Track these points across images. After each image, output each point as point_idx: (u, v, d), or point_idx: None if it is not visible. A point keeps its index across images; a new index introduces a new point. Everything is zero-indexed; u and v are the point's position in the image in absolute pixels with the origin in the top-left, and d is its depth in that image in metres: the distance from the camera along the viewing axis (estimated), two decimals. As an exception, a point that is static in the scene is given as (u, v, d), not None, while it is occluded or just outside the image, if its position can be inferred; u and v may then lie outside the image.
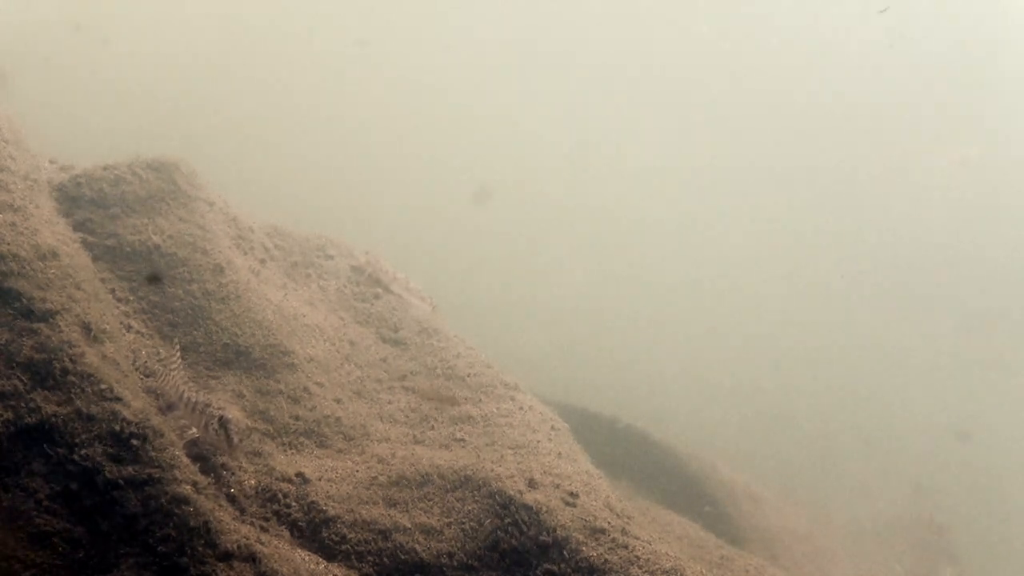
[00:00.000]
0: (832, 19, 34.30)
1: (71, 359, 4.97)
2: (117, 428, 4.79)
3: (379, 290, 8.45)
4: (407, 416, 7.04)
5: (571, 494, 5.91)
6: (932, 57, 33.31)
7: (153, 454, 4.79)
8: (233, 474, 5.54)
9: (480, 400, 7.35)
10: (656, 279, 23.60)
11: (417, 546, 5.45)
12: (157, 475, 4.72)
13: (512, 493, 5.71)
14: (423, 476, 5.96)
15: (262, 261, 7.93)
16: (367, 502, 5.70)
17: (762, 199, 29.75)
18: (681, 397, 16.93)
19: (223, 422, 5.40)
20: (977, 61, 33.28)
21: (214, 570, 4.54)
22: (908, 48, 33.40)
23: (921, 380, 22.17)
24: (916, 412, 20.45)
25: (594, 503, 5.94)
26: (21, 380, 4.81)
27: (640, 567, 5.53)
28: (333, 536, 5.42)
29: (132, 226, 6.82)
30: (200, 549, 4.58)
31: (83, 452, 4.67)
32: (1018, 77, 33.63)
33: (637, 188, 28.77)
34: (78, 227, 6.60)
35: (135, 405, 4.96)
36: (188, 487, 4.76)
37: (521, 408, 7.32)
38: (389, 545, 5.43)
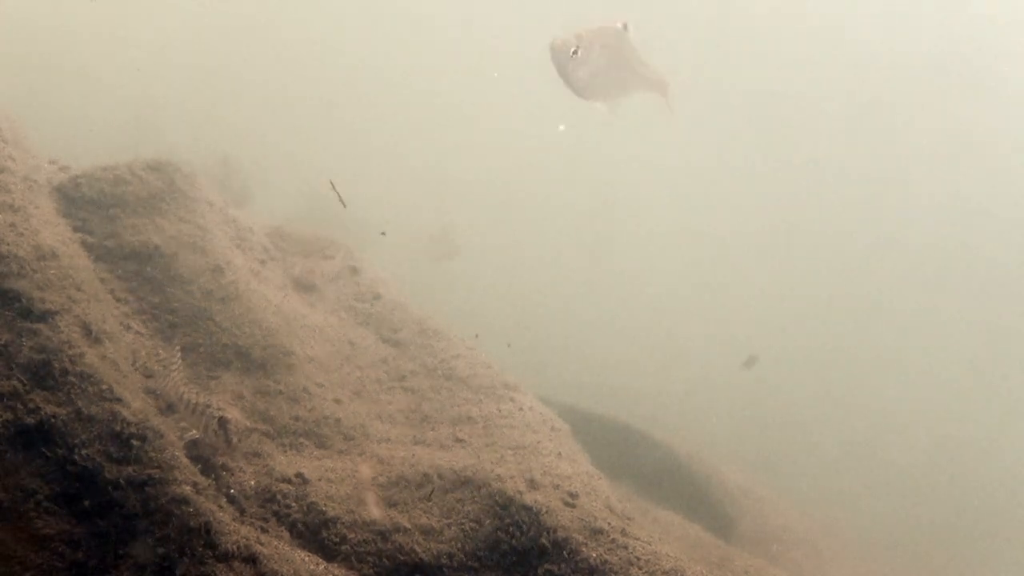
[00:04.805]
0: (829, 15, 34.33)
1: (71, 359, 4.98)
2: (117, 428, 4.80)
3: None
4: (407, 417, 7.04)
5: (571, 495, 5.92)
6: (930, 57, 33.33)
7: (153, 454, 4.79)
8: (233, 475, 5.54)
9: (480, 400, 7.36)
10: (656, 280, 23.60)
11: (417, 547, 5.45)
12: (157, 475, 4.72)
13: (512, 494, 5.71)
14: (423, 477, 5.96)
15: (262, 261, 7.93)
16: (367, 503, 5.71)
17: (763, 200, 29.75)
18: (681, 397, 16.92)
19: (223, 423, 5.40)
20: (976, 62, 33.30)
21: (214, 570, 4.54)
22: (907, 47, 33.42)
23: (922, 382, 22.18)
24: (917, 412, 20.45)
25: (594, 504, 5.94)
26: (21, 380, 4.81)
27: (640, 567, 5.53)
28: (333, 537, 5.42)
29: (132, 226, 6.82)
30: (200, 550, 4.58)
31: (83, 452, 4.67)
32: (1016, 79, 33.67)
33: (635, 187, 28.77)
34: (78, 228, 6.60)
35: (135, 405, 4.96)
36: (188, 488, 4.76)
37: (521, 409, 7.32)
38: (389, 546, 5.43)
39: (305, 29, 28.74)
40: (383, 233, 8.07)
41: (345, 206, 6.53)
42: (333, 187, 6.39)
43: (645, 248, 25.73)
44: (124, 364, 5.40)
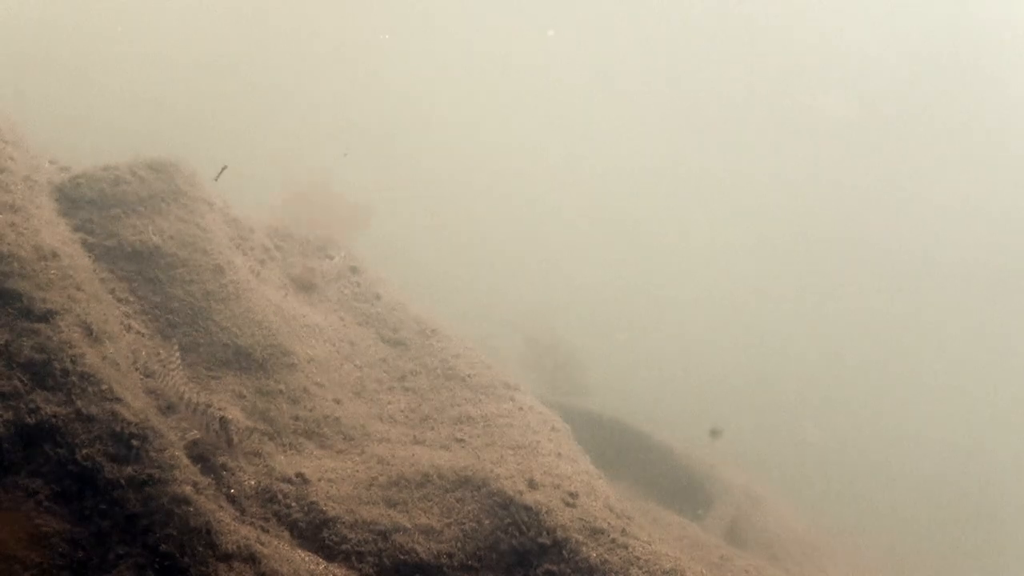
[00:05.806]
0: (834, 24, 34.33)
1: (71, 359, 4.97)
2: (117, 428, 4.80)
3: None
4: (407, 416, 7.04)
5: (571, 494, 5.92)
6: (929, 59, 33.32)
7: (153, 454, 4.79)
8: (233, 475, 5.54)
9: (480, 400, 7.36)
10: (656, 280, 23.61)
11: (417, 546, 5.45)
12: (157, 475, 4.72)
13: (512, 493, 5.72)
14: (423, 476, 5.96)
15: (262, 262, 7.93)
16: (367, 502, 5.71)
17: (763, 200, 29.75)
18: (682, 398, 16.93)
19: (223, 423, 5.40)
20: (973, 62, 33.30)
21: (214, 570, 4.54)
22: (907, 51, 33.41)
23: (922, 384, 22.18)
24: (917, 414, 20.46)
25: (594, 503, 5.95)
26: (21, 380, 4.81)
27: (640, 567, 5.53)
28: (333, 537, 5.42)
29: (132, 226, 6.82)
30: (200, 549, 4.58)
31: (83, 452, 4.67)
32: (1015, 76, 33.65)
33: (635, 190, 28.77)
34: (78, 228, 6.60)
35: (135, 405, 4.96)
36: (188, 487, 4.76)
37: (521, 409, 7.33)
38: (389, 545, 5.43)
39: (304, 28, 28.74)
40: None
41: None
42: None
43: (645, 249, 25.73)
44: (124, 364, 5.40)
